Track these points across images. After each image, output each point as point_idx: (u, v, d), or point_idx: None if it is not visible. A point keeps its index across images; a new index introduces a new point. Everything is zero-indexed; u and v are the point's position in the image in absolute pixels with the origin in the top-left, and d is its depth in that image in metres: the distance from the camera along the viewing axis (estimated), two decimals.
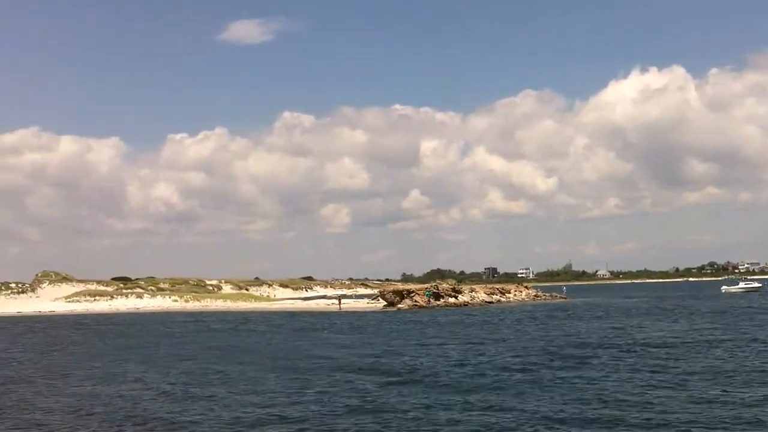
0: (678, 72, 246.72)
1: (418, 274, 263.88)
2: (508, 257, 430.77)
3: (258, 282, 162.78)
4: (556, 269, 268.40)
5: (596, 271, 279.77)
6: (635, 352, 31.93)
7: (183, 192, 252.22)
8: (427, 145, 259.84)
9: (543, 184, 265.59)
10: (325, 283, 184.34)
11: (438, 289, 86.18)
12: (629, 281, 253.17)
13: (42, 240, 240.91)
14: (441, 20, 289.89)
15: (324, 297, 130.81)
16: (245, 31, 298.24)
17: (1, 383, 28.73)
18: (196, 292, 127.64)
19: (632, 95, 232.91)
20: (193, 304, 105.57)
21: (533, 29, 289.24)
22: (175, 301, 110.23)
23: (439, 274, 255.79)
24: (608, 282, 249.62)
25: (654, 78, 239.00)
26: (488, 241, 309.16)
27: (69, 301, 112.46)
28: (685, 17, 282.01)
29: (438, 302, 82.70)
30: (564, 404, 20.13)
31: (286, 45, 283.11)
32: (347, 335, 48.10)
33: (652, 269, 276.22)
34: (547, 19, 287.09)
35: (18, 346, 47.46)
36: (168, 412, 21.16)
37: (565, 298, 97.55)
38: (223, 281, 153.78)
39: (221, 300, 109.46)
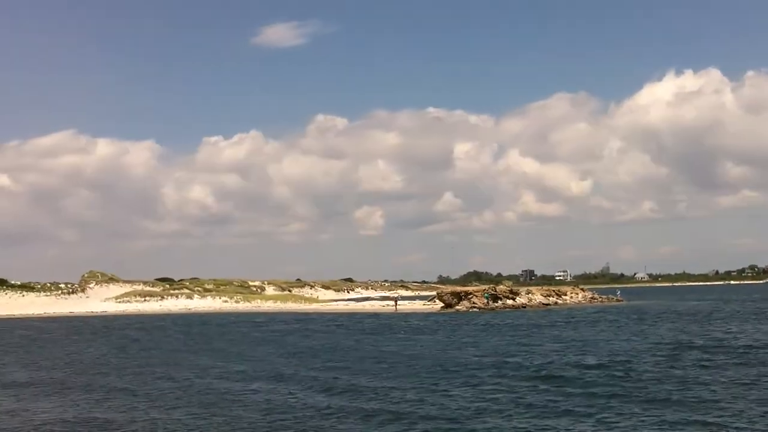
0: (714, 74, 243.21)
1: (453, 276, 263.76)
2: (542, 260, 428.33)
3: (300, 283, 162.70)
4: (593, 272, 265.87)
5: (634, 274, 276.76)
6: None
7: (218, 194, 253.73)
8: (461, 148, 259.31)
9: (577, 187, 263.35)
10: (366, 285, 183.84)
11: (495, 291, 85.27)
12: (669, 284, 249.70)
13: (79, 242, 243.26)
14: (474, 23, 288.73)
15: (368, 299, 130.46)
16: (279, 34, 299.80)
17: (105, 389, 27.71)
18: (241, 293, 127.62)
19: (667, 98, 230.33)
20: (244, 305, 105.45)
21: (567, 32, 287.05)
22: (225, 301, 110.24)
23: (475, 276, 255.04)
24: (647, 285, 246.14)
25: (689, 80, 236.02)
26: (521, 243, 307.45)
27: (119, 302, 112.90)
28: (720, 19, 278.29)
29: (496, 304, 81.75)
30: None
31: (320, 48, 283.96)
32: (429, 336, 47.31)
33: (689, 273, 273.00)
34: (581, 22, 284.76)
35: (97, 347, 47.03)
36: (353, 407, 20.75)
37: (621, 300, 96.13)
38: (265, 282, 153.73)
39: (271, 301, 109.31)
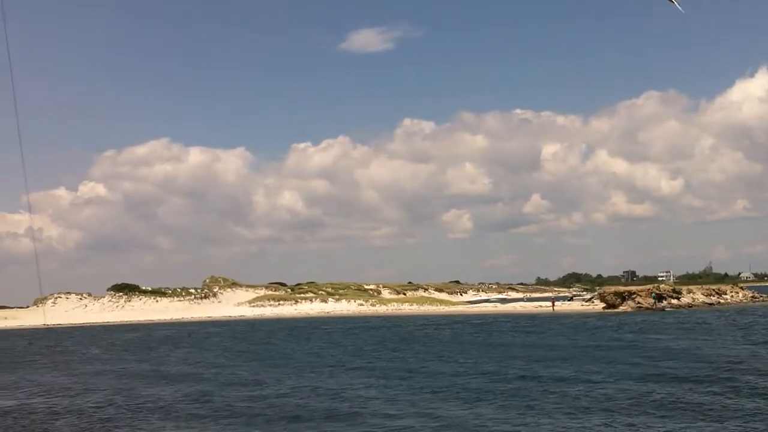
0: None
1: (551, 278, 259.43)
2: (633, 261, 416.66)
3: (413, 286, 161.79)
4: (696, 272, 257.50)
5: (739, 274, 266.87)
6: None
7: (307, 199, 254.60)
8: (548, 149, 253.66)
9: (668, 186, 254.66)
10: (476, 288, 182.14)
11: (659, 290, 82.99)
12: None
13: (173, 248, 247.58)
14: (560, 23, 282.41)
15: (487, 300, 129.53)
16: (366, 39, 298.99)
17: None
18: (360, 296, 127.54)
19: (760, 94, 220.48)
20: (382, 308, 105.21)
21: (655, 28, 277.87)
22: (361, 305, 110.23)
23: (575, 278, 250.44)
24: (756, 284, 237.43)
25: None
26: (611, 244, 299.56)
27: (253, 306, 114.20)
28: None
29: (662, 304, 79.48)
30: None
31: (406, 52, 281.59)
32: (653, 336, 45.51)
33: None
34: (669, 18, 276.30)
35: (334, 350, 46.49)
36: None
37: None
38: (380, 285, 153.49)
39: (407, 304, 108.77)
